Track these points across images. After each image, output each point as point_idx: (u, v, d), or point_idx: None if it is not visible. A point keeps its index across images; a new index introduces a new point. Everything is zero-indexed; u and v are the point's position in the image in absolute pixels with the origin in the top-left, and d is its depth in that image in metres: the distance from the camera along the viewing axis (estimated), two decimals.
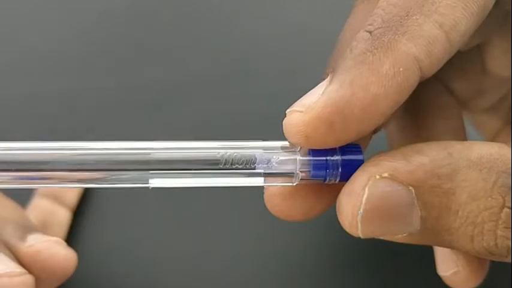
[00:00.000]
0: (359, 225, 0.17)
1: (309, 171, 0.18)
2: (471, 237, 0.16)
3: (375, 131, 0.22)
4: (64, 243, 0.23)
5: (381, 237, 0.17)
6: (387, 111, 0.17)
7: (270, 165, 0.18)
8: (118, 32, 0.36)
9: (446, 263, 0.23)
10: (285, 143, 0.18)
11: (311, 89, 0.18)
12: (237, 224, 0.29)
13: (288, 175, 0.18)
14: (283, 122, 0.18)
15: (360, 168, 0.17)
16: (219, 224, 0.29)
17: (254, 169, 0.18)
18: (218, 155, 0.18)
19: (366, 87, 0.16)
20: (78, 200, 0.30)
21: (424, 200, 0.16)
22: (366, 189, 0.17)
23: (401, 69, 0.17)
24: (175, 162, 0.18)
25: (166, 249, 0.29)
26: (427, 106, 0.24)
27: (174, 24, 0.37)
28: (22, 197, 0.28)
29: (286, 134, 0.18)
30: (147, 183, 0.18)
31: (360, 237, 0.17)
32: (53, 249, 0.23)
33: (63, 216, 0.29)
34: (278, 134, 0.19)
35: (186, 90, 0.34)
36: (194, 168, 0.18)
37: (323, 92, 0.17)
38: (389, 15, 0.17)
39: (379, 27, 0.17)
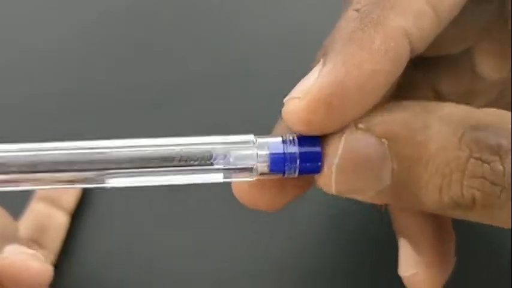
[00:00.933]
0: (333, 176, 0.17)
1: (268, 165, 0.18)
2: (439, 188, 0.17)
3: None
4: (40, 257, 0.23)
5: (351, 195, 0.18)
6: (383, 87, 0.17)
7: (227, 160, 0.18)
8: (118, 32, 0.36)
9: (407, 264, 0.23)
10: (244, 137, 0.18)
11: None
12: (236, 223, 0.29)
13: (247, 170, 0.18)
14: (282, 110, 0.18)
15: None
16: (218, 224, 0.29)
17: (211, 165, 0.18)
18: (173, 152, 0.17)
19: (359, 65, 0.17)
20: (75, 203, 0.30)
21: (397, 151, 0.17)
22: (343, 138, 0.17)
23: (392, 44, 0.17)
24: (131, 160, 0.17)
25: (165, 252, 0.29)
26: None
27: (174, 24, 0.37)
28: (19, 202, 0.28)
29: (287, 123, 0.18)
30: (104, 183, 0.17)
31: (333, 195, 0.18)
32: (26, 262, 0.22)
33: (60, 220, 0.29)
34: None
35: (186, 90, 0.34)
36: (150, 166, 0.17)
37: (318, 76, 0.17)
38: None
39: (366, 5, 0.17)
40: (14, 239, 0.24)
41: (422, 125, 0.17)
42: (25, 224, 0.28)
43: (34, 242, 0.27)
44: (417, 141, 0.17)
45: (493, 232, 0.28)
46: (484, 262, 0.28)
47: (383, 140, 0.17)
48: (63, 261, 0.28)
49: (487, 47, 0.23)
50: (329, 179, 0.17)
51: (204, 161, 0.18)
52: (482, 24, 0.23)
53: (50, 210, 0.29)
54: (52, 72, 0.35)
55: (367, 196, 0.18)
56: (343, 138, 0.17)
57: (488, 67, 0.24)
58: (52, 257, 0.28)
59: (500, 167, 0.16)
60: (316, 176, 0.18)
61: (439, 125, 0.17)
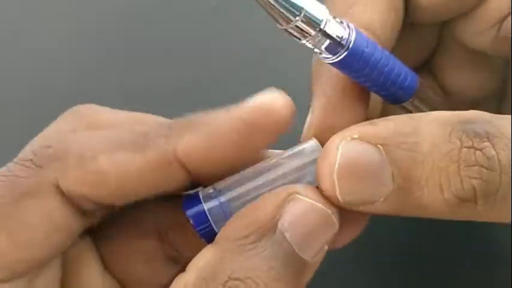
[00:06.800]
0: (336, 184, 0.18)
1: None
2: (439, 185, 0.18)
3: None
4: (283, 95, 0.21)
5: (360, 207, 0.19)
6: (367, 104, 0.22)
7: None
8: (118, 32, 0.36)
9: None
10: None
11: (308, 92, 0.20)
12: None
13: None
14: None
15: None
16: None
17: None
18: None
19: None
20: None
21: (393, 156, 0.18)
22: (339, 147, 0.19)
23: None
24: None
25: None
26: None
27: (174, 25, 0.37)
28: None
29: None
30: None
31: (344, 209, 0.19)
32: (270, 103, 0.20)
33: None
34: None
35: (186, 90, 0.34)
36: None
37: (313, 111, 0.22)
38: None
39: None
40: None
41: (412, 130, 0.18)
42: None
43: None
44: (410, 144, 0.18)
45: (493, 232, 0.28)
46: (484, 262, 0.28)
47: (378, 146, 0.18)
48: None
49: (445, 63, 0.25)
50: (334, 187, 0.19)
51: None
52: (428, 47, 0.25)
53: None
54: (52, 72, 0.35)
55: (374, 208, 0.19)
56: (339, 147, 0.18)
57: (453, 82, 0.26)
58: None
59: (493, 152, 0.17)
60: (321, 184, 0.19)
61: (428, 127, 0.18)
